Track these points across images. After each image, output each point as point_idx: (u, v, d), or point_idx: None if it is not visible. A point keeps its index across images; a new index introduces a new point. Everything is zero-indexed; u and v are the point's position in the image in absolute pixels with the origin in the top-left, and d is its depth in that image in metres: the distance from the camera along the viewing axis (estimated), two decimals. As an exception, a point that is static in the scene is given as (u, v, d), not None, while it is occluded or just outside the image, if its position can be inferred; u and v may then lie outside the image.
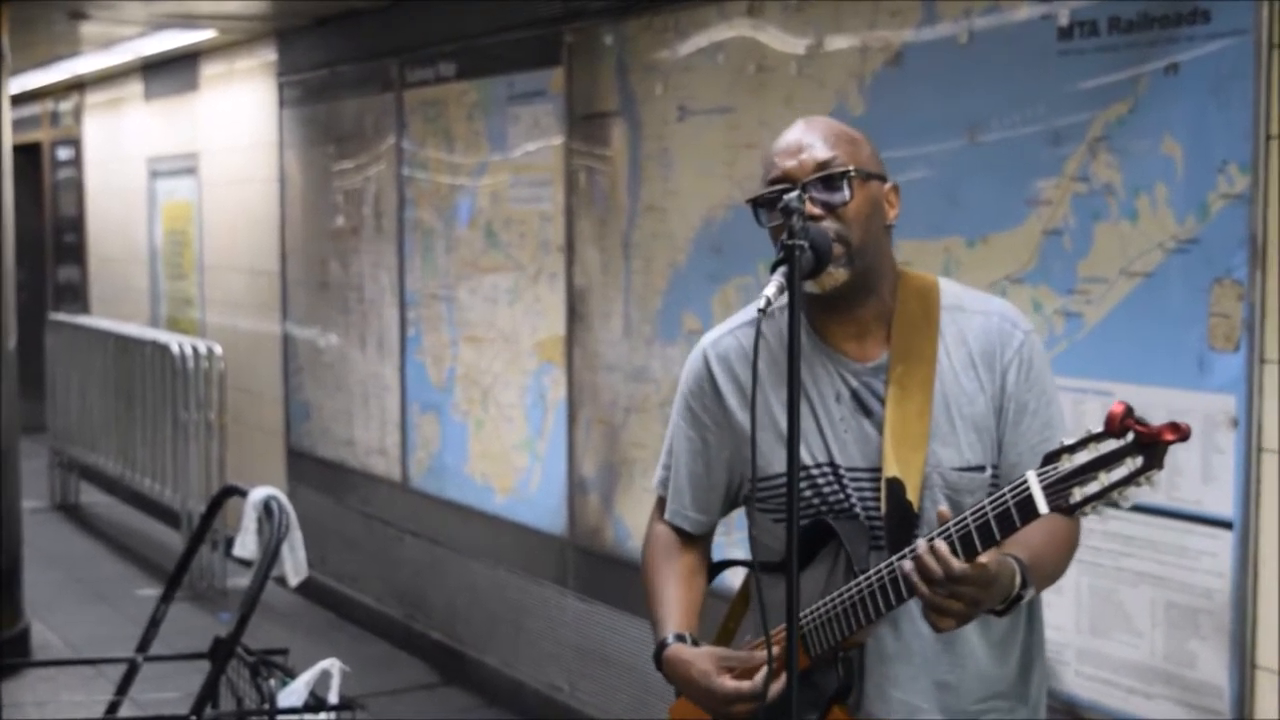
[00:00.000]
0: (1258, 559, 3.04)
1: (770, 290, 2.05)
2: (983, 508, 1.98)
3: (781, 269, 2.07)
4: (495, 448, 5.79)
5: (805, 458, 2.26)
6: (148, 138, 9.65)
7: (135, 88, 9.76)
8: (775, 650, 2.17)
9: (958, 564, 1.97)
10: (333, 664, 3.39)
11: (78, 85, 10.88)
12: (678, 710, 2.42)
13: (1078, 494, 1.89)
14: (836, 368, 2.28)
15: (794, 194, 2.15)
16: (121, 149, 10.20)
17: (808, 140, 2.25)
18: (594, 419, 5.19)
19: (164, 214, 9.44)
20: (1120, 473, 1.86)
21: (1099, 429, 1.87)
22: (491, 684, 5.89)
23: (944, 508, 2.06)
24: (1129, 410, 1.85)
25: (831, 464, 2.26)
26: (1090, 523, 3.31)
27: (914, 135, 3.75)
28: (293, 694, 3.37)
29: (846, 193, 2.21)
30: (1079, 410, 3.35)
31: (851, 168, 2.22)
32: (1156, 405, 3.19)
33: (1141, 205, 3.23)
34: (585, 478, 5.26)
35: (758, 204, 2.26)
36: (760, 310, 2.05)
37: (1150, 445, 1.84)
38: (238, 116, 8.14)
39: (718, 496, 2.45)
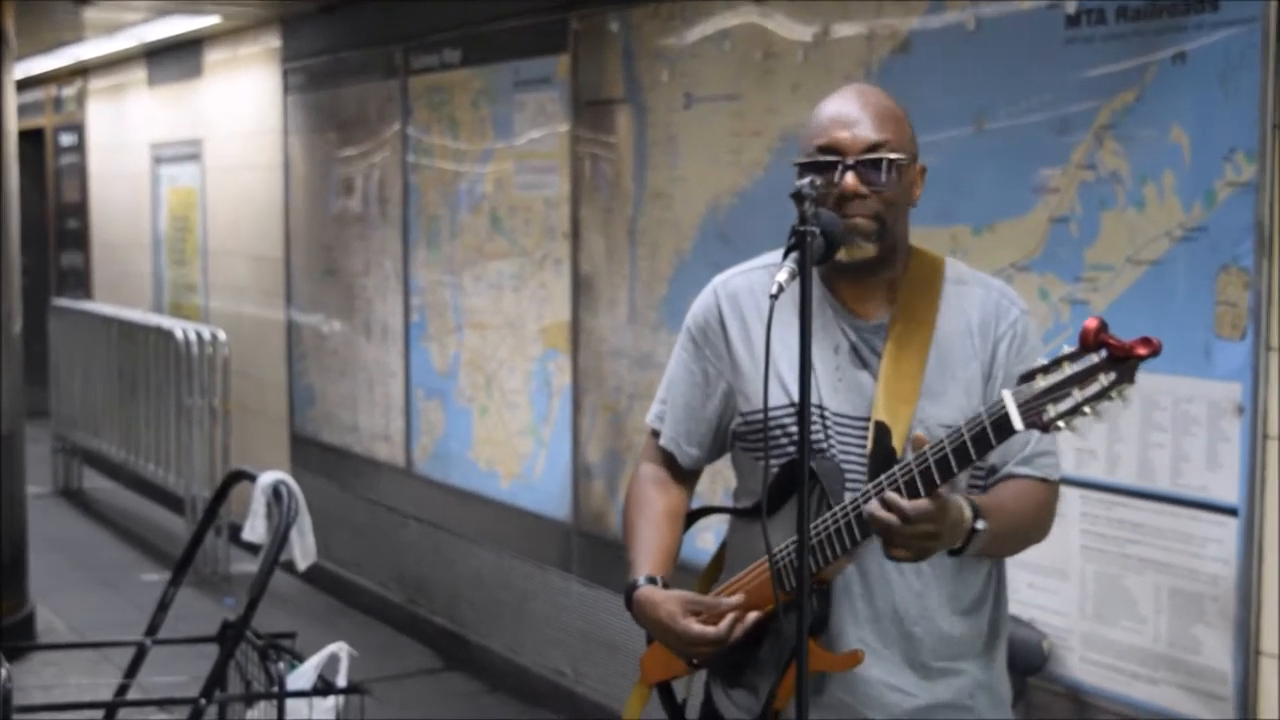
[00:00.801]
0: (1262, 545, 3.06)
1: (783, 276, 2.11)
2: (958, 431, 2.05)
3: (794, 254, 2.12)
4: (500, 434, 5.80)
5: (795, 396, 2.29)
6: (151, 124, 9.65)
7: (139, 74, 9.76)
8: (739, 597, 2.29)
9: (909, 505, 2.05)
10: (341, 648, 3.40)
11: (81, 71, 10.88)
12: (648, 658, 2.46)
13: (1051, 410, 1.95)
14: (840, 321, 2.35)
15: (806, 181, 2.20)
16: (125, 135, 10.20)
17: (863, 115, 2.30)
18: (599, 405, 5.20)
19: (168, 200, 9.45)
20: (1093, 388, 1.92)
21: (1073, 347, 1.94)
22: (495, 669, 5.91)
23: (921, 432, 2.13)
24: (1103, 325, 1.92)
25: (819, 406, 2.31)
26: (1095, 509, 3.35)
27: (921, 123, 3.69)
28: (301, 677, 3.38)
29: (894, 177, 2.28)
30: (1085, 397, 3.36)
31: (900, 156, 2.28)
32: (1163, 392, 3.21)
33: (1148, 193, 3.24)
34: (590, 463, 5.27)
35: (804, 168, 2.29)
36: (772, 296, 2.11)
37: (1123, 360, 1.90)
38: (242, 103, 8.14)
39: (710, 431, 2.50)
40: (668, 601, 2.32)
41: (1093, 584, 3.40)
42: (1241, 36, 3.04)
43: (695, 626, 2.28)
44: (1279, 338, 3.01)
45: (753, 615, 2.28)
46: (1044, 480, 2.33)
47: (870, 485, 2.15)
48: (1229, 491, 3.11)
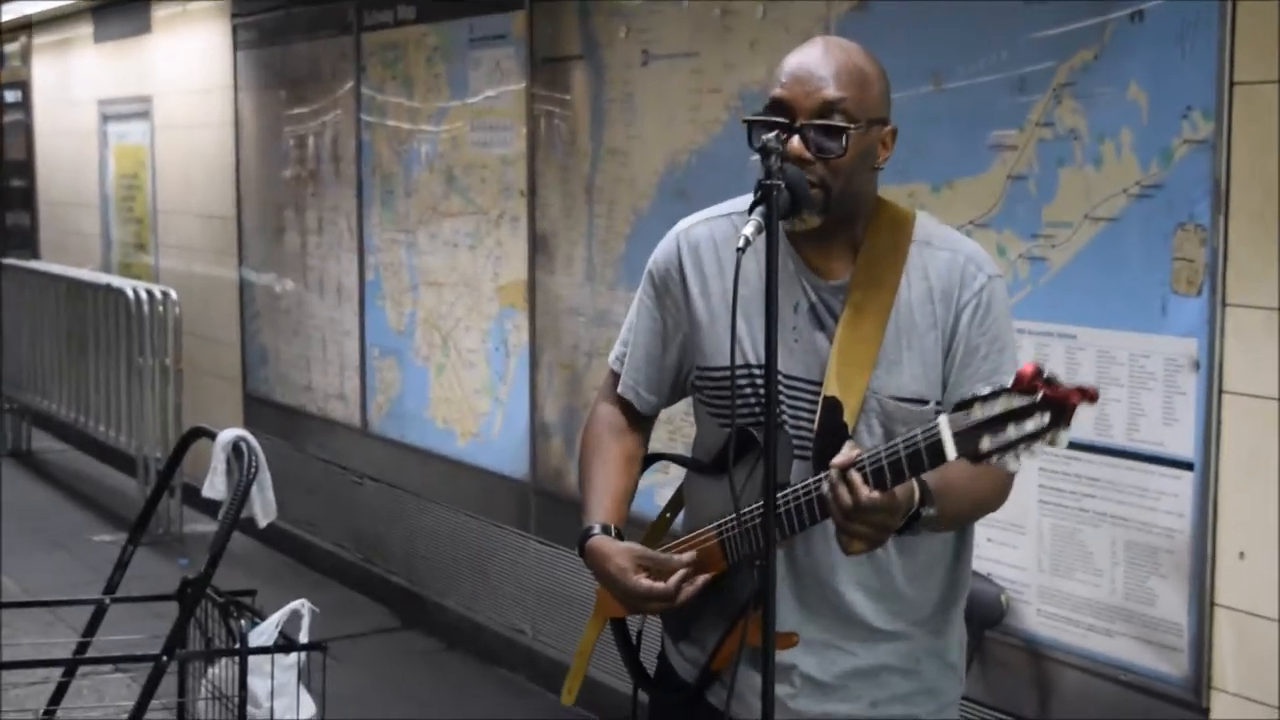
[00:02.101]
0: (1217, 499, 3.10)
1: (749, 230, 2.06)
2: (895, 446, 2.02)
3: (760, 209, 2.09)
4: (456, 392, 5.79)
5: (750, 356, 2.28)
6: (98, 81, 9.53)
7: (85, 29, 9.63)
8: (690, 555, 2.28)
9: (867, 493, 2.02)
10: (302, 604, 3.40)
11: (25, 26, 10.72)
12: (604, 591, 2.44)
13: (988, 443, 1.93)
14: (801, 278, 2.29)
15: (772, 135, 2.14)
16: (71, 92, 10.07)
17: (821, 71, 2.19)
18: (556, 363, 5.20)
19: (115, 158, 9.34)
20: (1029, 427, 1.90)
21: (1010, 385, 1.91)
22: (453, 627, 5.93)
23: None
24: (1039, 371, 1.89)
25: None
26: (1053, 464, 3.38)
27: (880, 80, 3.76)
28: (262, 634, 3.39)
29: (842, 145, 2.18)
30: (1042, 354, 3.39)
31: (852, 126, 2.18)
32: (1119, 348, 3.24)
33: (1106, 151, 3.26)
34: (547, 422, 5.28)
35: (753, 126, 2.21)
36: (739, 249, 2.06)
37: (1058, 405, 1.88)
38: (191, 59, 8.05)
39: (669, 379, 2.47)
40: (619, 555, 2.31)
41: (1050, 538, 3.44)
42: (1200, -6, 3.06)
43: (644, 582, 2.27)
44: (1235, 294, 3.05)
45: (703, 577, 2.27)
46: None
47: (821, 476, 2.11)
48: (1184, 446, 3.15)
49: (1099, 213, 3.28)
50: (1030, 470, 3.44)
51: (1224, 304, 3.06)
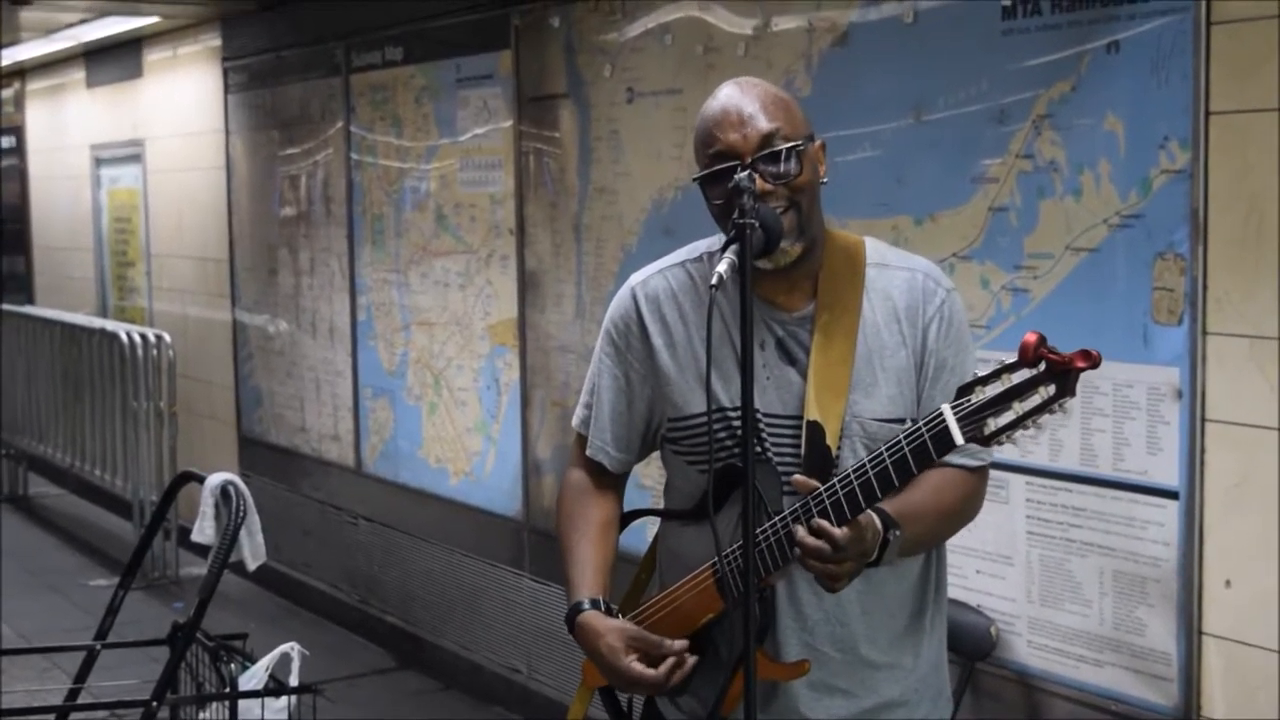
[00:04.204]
0: (1203, 527, 3.10)
1: (722, 267, 2.07)
2: (898, 441, 2.03)
3: (733, 248, 2.09)
4: (449, 431, 5.80)
5: (724, 400, 2.28)
6: (91, 125, 9.57)
7: (78, 75, 9.67)
8: (683, 643, 2.25)
9: (839, 533, 2.03)
10: (292, 647, 3.40)
11: (18, 72, 10.77)
12: (590, 662, 2.43)
13: (992, 424, 1.95)
14: (764, 316, 2.29)
15: (744, 174, 2.16)
16: (65, 137, 10.11)
17: (748, 109, 2.22)
18: (548, 401, 5.21)
19: (109, 202, 9.37)
20: (1033, 401, 1.92)
21: (1012, 359, 1.93)
22: (449, 667, 5.91)
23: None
24: (1042, 340, 1.91)
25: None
26: (1040, 494, 3.39)
27: (861, 115, 3.79)
28: (253, 678, 3.38)
29: (796, 165, 2.21)
30: (1027, 384, 3.40)
31: (799, 142, 2.22)
32: (1103, 378, 3.25)
33: (1085, 182, 3.28)
34: (540, 460, 5.28)
35: (705, 181, 2.24)
36: (713, 286, 2.07)
37: (1063, 373, 1.90)
38: (183, 103, 8.09)
39: (638, 435, 2.46)
40: (609, 634, 2.30)
41: (1038, 569, 3.45)
42: (1173, 25, 3.08)
43: (635, 667, 2.26)
44: (1216, 322, 3.06)
45: (692, 660, 2.26)
46: (969, 468, 2.28)
47: (798, 505, 2.11)
48: (1169, 475, 3.15)
49: (1080, 243, 3.30)
50: (1018, 502, 3.45)
51: (1204, 332, 3.07)
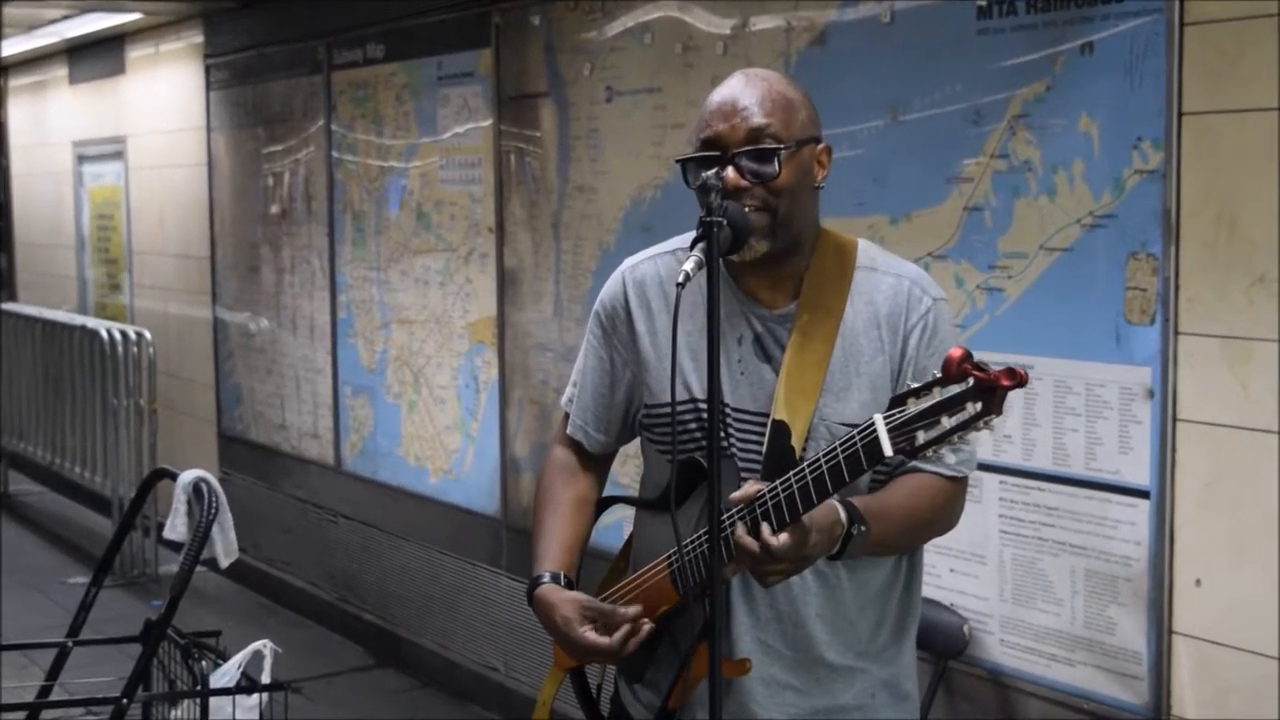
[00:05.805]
0: (1173, 526, 3.11)
1: (690, 265, 2.07)
2: (834, 450, 2.02)
3: (701, 245, 2.09)
4: (428, 429, 5.79)
5: (695, 391, 2.28)
6: (73, 122, 9.54)
7: (60, 71, 9.65)
8: (636, 609, 2.24)
9: (776, 541, 2.03)
10: (264, 645, 3.39)
11: (0, 69, 10.74)
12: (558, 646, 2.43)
13: (922, 436, 1.93)
14: (745, 311, 2.29)
15: (712, 172, 2.15)
16: (46, 134, 10.09)
17: (744, 102, 2.22)
18: (526, 399, 5.21)
19: (91, 199, 9.35)
20: (961, 416, 1.89)
21: (940, 374, 1.91)
22: (426, 665, 5.91)
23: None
24: (967, 355, 1.89)
25: (720, 402, 2.22)
26: (1012, 493, 3.40)
27: (838, 114, 3.78)
28: (224, 675, 3.38)
29: (775, 166, 2.19)
30: (1000, 384, 3.40)
31: (782, 147, 2.19)
32: (1076, 378, 3.26)
33: (1059, 182, 3.29)
34: (518, 458, 5.28)
35: (685, 165, 2.24)
36: (678, 284, 2.06)
37: (988, 390, 1.87)
38: (164, 100, 8.07)
39: (618, 418, 2.47)
40: (565, 605, 2.30)
41: (1011, 568, 3.45)
42: (1147, 26, 3.09)
43: (589, 635, 2.26)
44: (1187, 322, 3.07)
45: (647, 627, 2.25)
46: (946, 476, 2.26)
47: (743, 506, 2.09)
48: (1141, 474, 3.16)
49: (1053, 243, 3.31)
50: (991, 501, 3.45)
51: (1176, 332, 3.08)
